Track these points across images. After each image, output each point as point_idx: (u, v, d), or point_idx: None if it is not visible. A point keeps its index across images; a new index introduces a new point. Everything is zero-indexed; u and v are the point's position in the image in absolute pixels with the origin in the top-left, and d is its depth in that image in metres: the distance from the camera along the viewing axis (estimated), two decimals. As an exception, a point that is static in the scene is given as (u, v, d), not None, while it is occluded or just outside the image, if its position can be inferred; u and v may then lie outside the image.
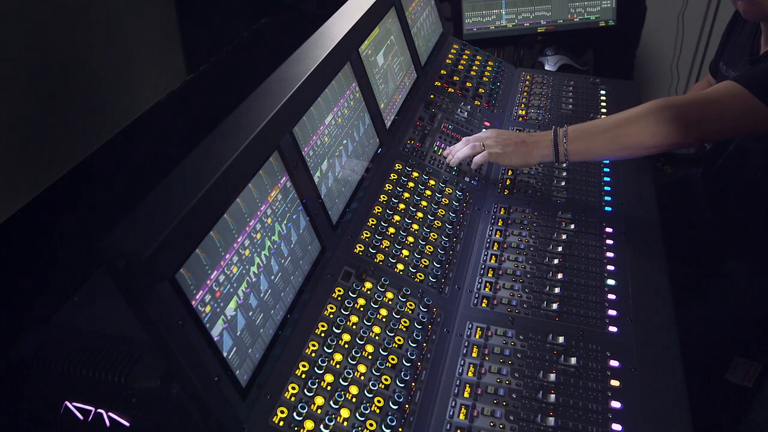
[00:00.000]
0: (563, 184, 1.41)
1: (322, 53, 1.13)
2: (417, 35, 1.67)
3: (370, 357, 0.95)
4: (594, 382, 0.98)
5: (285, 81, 1.04)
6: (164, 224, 0.71)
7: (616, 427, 0.92)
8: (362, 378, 0.92)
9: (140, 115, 1.44)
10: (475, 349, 1.03)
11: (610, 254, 1.22)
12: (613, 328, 1.07)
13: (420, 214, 1.24)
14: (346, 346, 0.95)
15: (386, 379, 0.93)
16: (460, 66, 1.78)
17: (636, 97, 1.76)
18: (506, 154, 1.32)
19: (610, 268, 1.19)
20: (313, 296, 0.99)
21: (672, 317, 1.10)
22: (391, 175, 1.29)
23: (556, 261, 1.19)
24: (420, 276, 1.12)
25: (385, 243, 1.14)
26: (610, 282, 1.16)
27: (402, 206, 1.23)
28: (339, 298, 1.00)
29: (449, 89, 1.66)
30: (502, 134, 1.36)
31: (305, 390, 0.86)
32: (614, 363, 1.01)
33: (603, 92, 1.77)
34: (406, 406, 0.92)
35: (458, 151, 1.36)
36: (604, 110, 1.69)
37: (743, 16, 1.33)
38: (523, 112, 1.68)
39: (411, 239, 1.18)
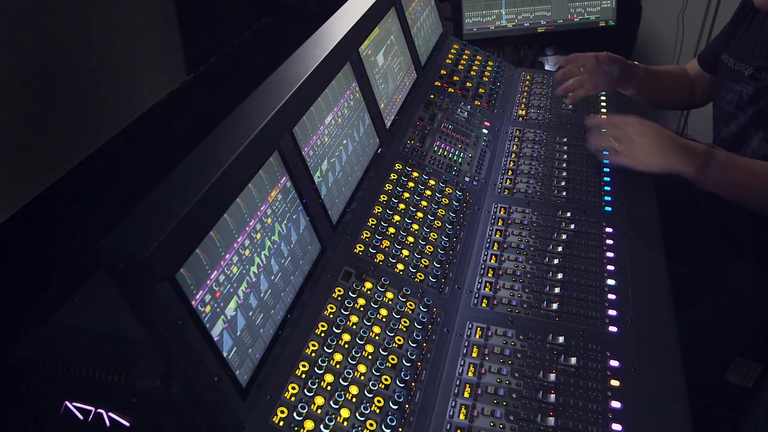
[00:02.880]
0: (563, 184, 1.41)
1: (322, 53, 1.13)
2: (417, 35, 1.67)
3: (370, 357, 0.95)
4: (594, 382, 0.98)
5: (285, 81, 1.04)
6: (164, 224, 0.71)
7: (616, 427, 0.92)
8: (362, 378, 0.92)
9: (140, 115, 1.45)
10: (475, 349, 1.03)
11: (610, 254, 1.22)
12: (613, 328, 1.07)
13: (420, 214, 1.24)
14: (346, 346, 0.95)
15: (386, 379, 0.93)
16: (460, 66, 1.78)
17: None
18: (648, 165, 1.26)
19: (610, 268, 1.19)
20: (313, 296, 0.99)
21: (672, 317, 1.10)
22: (391, 175, 1.29)
23: (556, 261, 1.19)
24: (420, 276, 1.12)
25: (385, 243, 1.14)
26: (610, 282, 1.16)
27: (402, 206, 1.23)
28: (339, 298, 1.00)
29: (449, 89, 1.66)
30: (660, 136, 1.25)
31: (305, 390, 0.86)
32: (614, 363, 1.01)
33: (603, 92, 1.77)
34: (406, 406, 0.92)
35: (595, 137, 1.34)
36: (604, 110, 1.69)
37: (756, 6, 1.31)
38: (523, 112, 1.68)
39: (411, 239, 1.18)
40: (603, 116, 1.38)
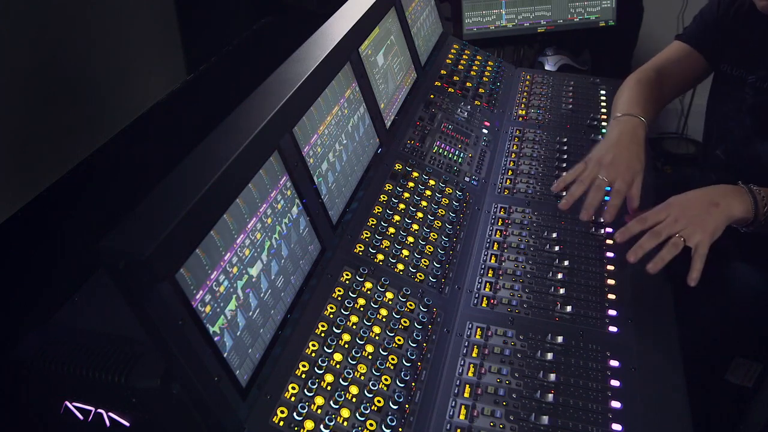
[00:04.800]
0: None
1: (322, 53, 1.13)
2: (417, 35, 1.67)
3: (370, 357, 0.95)
4: (594, 382, 0.98)
5: (285, 81, 1.04)
6: (164, 224, 0.71)
7: (616, 427, 0.92)
8: (362, 378, 0.92)
9: (140, 115, 1.45)
10: (475, 349, 1.03)
11: (610, 254, 1.22)
12: (613, 328, 1.07)
13: (420, 214, 1.24)
14: (346, 346, 0.95)
15: (386, 379, 0.93)
16: (460, 66, 1.78)
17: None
18: (715, 228, 1.12)
19: (610, 268, 1.19)
20: (313, 296, 0.99)
21: (672, 317, 1.10)
22: (391, 175, 1.29)
23: (556, 261, 1.19)
24: (420, 276, 1.12)
25: (385, 243, 1.14)
26: (610, 282, 1.16)
27: (402, 206, 1.23)
28: (339, 298, 1.00)
29: (449, 89, 1.66)
30: (688, 207, 1.11)
31: (305, 390, 0.86)
32: (614, 363, 1.01)
33: (603, 92, 1.77)
34: (406, 406, 0.92)
35: (645, 244, 1.10)
36: (604, 110, 1.69)
37: (761, 11, 1.28)
38: (523, 112, 1.68)
39: (411, 239, 1.18)
40: (635, 224, 1.14)
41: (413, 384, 0.95)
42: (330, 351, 0.92)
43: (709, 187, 1.17)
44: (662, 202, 1.15)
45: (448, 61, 1.79)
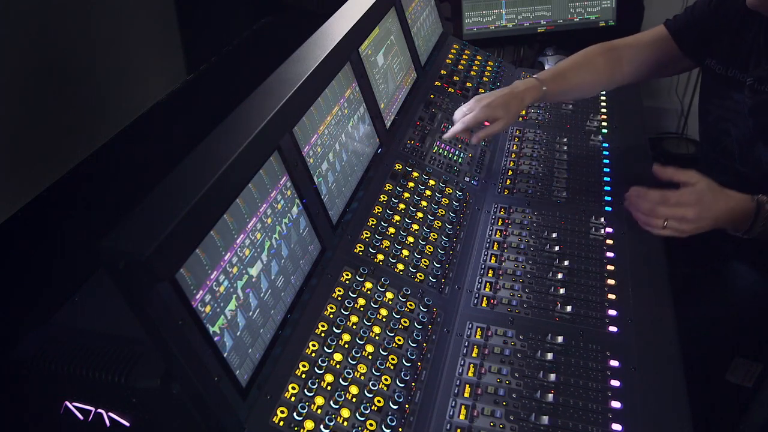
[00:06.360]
0: (563, 184, 1.41)
1: (322, 53, 1.13)
2: (417, 35, 1.67)
3: (370, 357, 0.95)
4: (594, 382, 0.98)
5: (285, 81, 1.04)
6: (164, 224, 0.71)
7: (616, 427, 0.92)
8: (362, 378, 0.92)
9: (140, 115, 1.45)
10: (475, 349, 1.03)
11: (610, 254, 1.22)
12: (613, 328, 1.07)
13: (420, 214, 1.24)
14: (346, 346, 0.95)
15: (386, 379, 0.93)
16: (460, 66, 1.78)
17: (636, 98, 1.76)
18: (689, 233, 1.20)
19: (610, 268, 1.19)
20: (313, 296, 0.99)
21: (672, 317, 1.10)
22: (391, 175, 1.29)
23: (556, 261, 1.19)
24: (420, 276, 1.12)
25: (385, 243, 1.14)
26: (610, 282, 1.16)
27: (402, 206, 1.23)
28: (339, 298, 1.00)
29: (449, 89, 1.66)
30: (708, 208, 1.18)
31: (305, 390, 0.87)
32: (614, 363, 1.01)
33: (603, 92, 1.77)
34: (406, 406, 0.92)
35: (653, 221, 1.20)
36: (604, 110, 1.69)
37: (750, 8, 1.28)
38: (523, 112, 1.68)
39: (411, 239, 1.18)
40: (651, 192, 1.22)
41: (413, 384, 0.95)
42: (330, 351, 0.92)
43: (729, 206, 1.20)
44: (692, 187, 1.20)
45: (448, 61, 1.79)
